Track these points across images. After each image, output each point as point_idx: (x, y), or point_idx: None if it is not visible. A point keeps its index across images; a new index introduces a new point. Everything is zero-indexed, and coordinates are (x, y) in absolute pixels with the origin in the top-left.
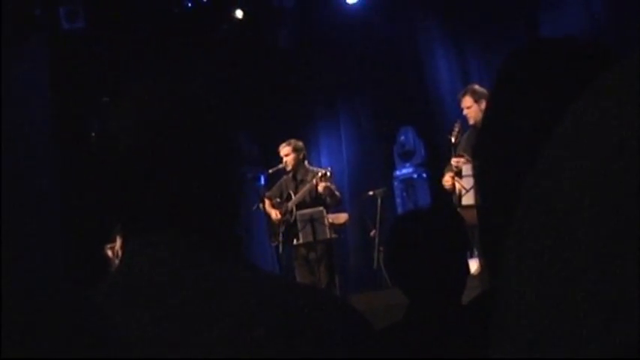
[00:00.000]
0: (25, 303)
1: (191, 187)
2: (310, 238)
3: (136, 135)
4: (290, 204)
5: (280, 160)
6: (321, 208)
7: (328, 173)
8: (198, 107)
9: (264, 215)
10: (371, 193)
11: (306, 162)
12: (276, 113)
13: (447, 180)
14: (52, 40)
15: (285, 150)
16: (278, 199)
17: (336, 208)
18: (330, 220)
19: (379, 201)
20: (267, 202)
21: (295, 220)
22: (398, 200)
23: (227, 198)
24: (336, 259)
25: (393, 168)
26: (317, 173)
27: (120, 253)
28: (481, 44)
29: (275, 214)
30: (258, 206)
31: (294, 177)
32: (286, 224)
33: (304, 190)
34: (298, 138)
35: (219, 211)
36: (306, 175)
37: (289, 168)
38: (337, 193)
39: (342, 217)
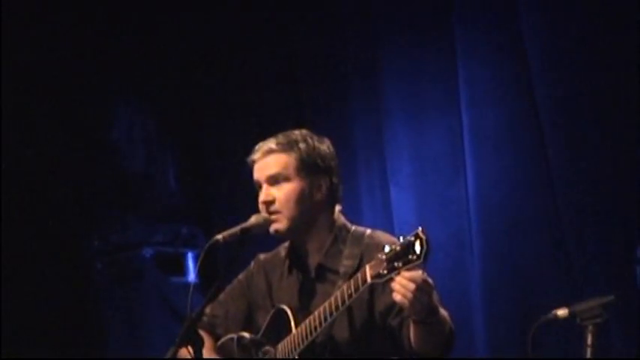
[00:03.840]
0: None
1: None
2: None
3: None
4: (286, 347)
5: (253, 205)
6: None
7: (417, 249)
8: None
9: None
10: (560, 313)
11: (336, 214)
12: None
13: None
14: None
15: (269, 166)
16: (243, 334)
17: None
18: None
19: (589, 338)
20: (207, 339)
21: None
22: None
23: None
24: None
25: (637, 229)
26: (377, 248)
27: None
28: None
29: None
30: (174, 356)
31: (301, 262)
32: None
33: (329, 305)
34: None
35: None
36: (336, 255)
37: (281, 227)
38: (445, 313)
39: None
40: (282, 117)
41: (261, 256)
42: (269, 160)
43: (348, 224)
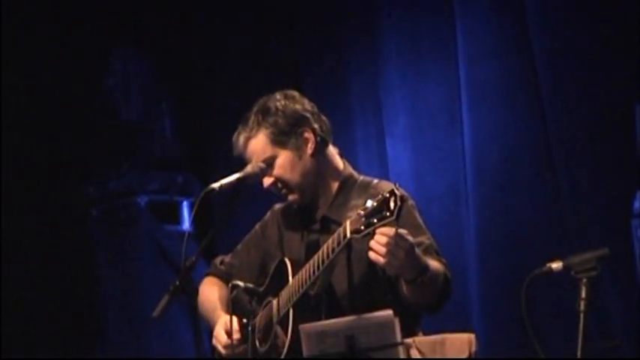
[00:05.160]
0: None
1: None
2: None
3: None
4: (284, 298)
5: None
6: (387, 313)
7: (392, 205)
8: None
9: (189, 329)
10: (554, 266)
11: (336, 158)
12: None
13: None
14: None
15: (252, 157)
16: (240, 284)
17: (436, 310)
18: (418, 357)
19: (583, 292)
20: (206, 287)
21: (294, 350)
22: None
23: None
24: None
25: (633, 184)
26: (377, 194)
27: None
28: None
29: (224, 337)
30: (166, 305)
31: (309, 213)
32: None
33: (316, 259)
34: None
35: None
36: (341, 207)
37: (296, 198)
38: (437, 265)
39: (453, 347)
40: (278, 69)
41: (276, 206)
42: (249, 151)
43: (356, 174)
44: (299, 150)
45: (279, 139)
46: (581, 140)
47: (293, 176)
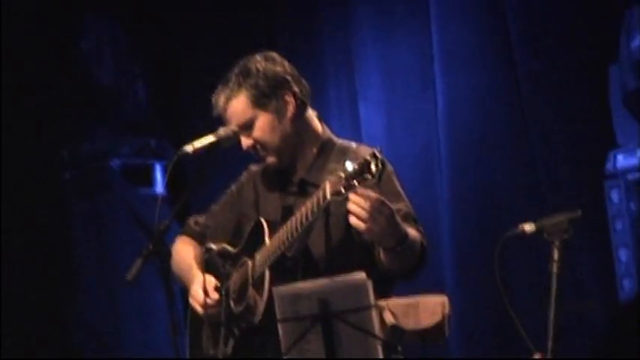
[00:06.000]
0: None
1: None
2: None
3: None
4: (260, 259)
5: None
6: (359, 276)
7: (373, 168)
8: None
9: (161, 298)
10: (527, 228)
11: (314, 121)
12: None
13: None
14: None
15: (231, 118)
16: (213, 247)
17: (411, 278)
18: (391, 320)
19: (555, 254)
20: (180, 246)
21: (270, 312)
22: (622, 253)
23: None
24: None
25: (606, 146)
26: (357, 156)
27: None
28: None
29: (202, 295)
30: (138, 269)
31: (287, 176)
32: (243, 326)
33: (295, 220)
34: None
35: None
36: (320, 170)
37: (274, 160)
38: (414, 233)
39: (427, 309)
40: (251, 31)
41: (253, 167)
42: (229, 112)
43: (335, 138)
44: (279, 113)
45: (260, 101)
46: (554, 102)
47: (273, 139)
